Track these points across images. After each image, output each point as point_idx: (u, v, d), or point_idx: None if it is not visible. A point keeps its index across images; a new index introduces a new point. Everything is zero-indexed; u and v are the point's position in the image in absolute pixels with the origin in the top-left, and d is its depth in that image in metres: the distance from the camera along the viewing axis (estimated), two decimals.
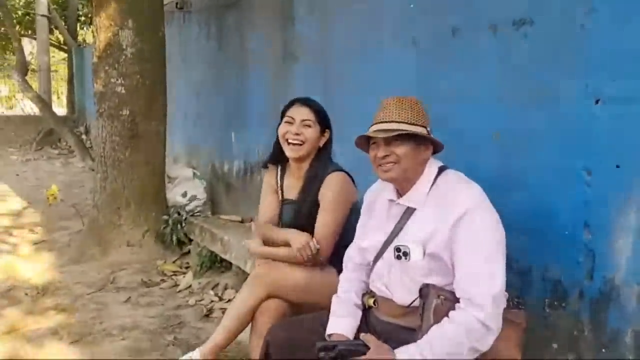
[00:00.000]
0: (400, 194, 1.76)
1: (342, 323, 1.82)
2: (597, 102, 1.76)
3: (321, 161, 2.30)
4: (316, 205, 2.25)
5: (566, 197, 1.88)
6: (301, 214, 2.29)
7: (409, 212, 1.73)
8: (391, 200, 1.78)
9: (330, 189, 2.22)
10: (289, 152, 2.26)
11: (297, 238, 2.16)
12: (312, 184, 2.28)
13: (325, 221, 2.20)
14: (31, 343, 2.93)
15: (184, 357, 2.24)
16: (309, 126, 2.24)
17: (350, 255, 1.96)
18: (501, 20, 2.08)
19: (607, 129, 1.74)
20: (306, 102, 2.30)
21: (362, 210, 1.96)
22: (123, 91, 4.22)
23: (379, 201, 1.83)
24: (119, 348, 2.90)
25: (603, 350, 1.79)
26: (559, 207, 1.90)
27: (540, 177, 1.96)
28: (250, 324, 2.19)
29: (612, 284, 1.76)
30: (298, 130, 2.22)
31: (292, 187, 2.36)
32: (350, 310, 1.85)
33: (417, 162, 1.70)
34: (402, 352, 1.56)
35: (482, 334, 1.52)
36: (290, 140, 2.24)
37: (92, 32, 4.36)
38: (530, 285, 2.03)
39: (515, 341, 1.63)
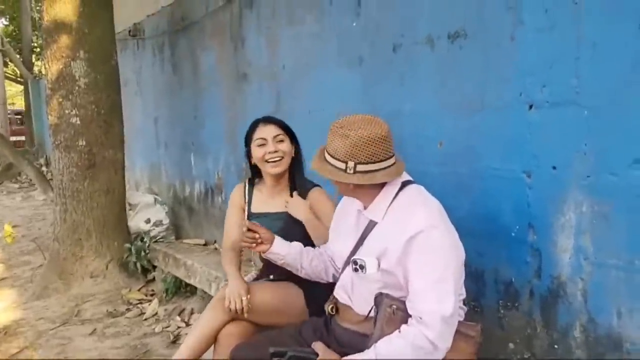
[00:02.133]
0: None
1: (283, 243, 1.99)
2: (530, 107, 1.85)
3: (299, 172, 2.34)
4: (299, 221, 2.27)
5: (510, 200, 1.95)
6: (293, 223, 2.28)
7: (371, 225, 1.75)
8: (359, 211, 1.80)
9: (325, 204, 2.26)
10: (271, 170, 2.26)
11: (234, 288, 2.13)
12: (300, 194, 2.30)
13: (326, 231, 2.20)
14: None
15: None
16: (282, 140, 2.27)
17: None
18: (437, 34, 2.16)
19: (541, 132, 1.82)
20: (269, 120, 2.32)
21: (334, 215, 1.99)
22: (78, 122, 4.18)
23: (351, 209, 1.85)
24: None
25: (555, 346, 1.86)
26: (504, 210, 1.97)
27: (484, 182, 2.03)
28: (212, 347, 2.19)
29: (558, 281, 1.82)
30: (275, 148, 2.24)
31: (262, 202, 2.36)
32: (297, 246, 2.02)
33: (364, 186, 1.69)
34: None
35: (429, 351, 1.54)
36: (269, 159, 2.25)
37: (44, 64, 4.32)
38: (484, 288, 2.09)
39: (466, 354, 1.65)
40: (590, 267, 1.73)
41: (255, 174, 2.40)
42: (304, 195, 2.29)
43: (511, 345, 2.01)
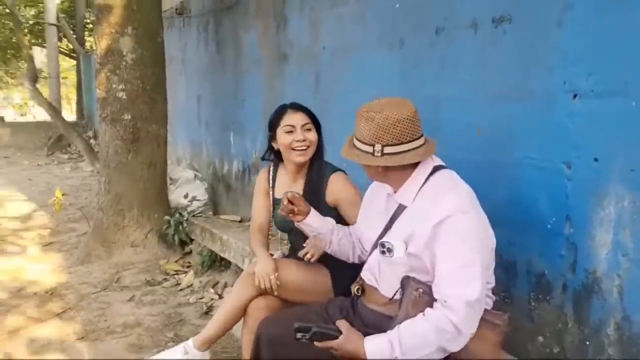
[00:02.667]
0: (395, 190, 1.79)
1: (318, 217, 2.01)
2: (574, 97, 1.79)
3: (320, 161, 2.33)
4: (320, 204, 2.26)
5: (547, 191, 1.90)
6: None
7: (400, 208, 1.74)
8: (389, 195, 1.80)
9: (346, 189, 2.26)
10: (297, 158, 2.26)
11: (262, 267, 2.18)
12: (314, 184, 2.30)
13: (352, 217, 2.20)
14: (38, 340, 3.01)
15: (178, 346, 2.30)
16: (310, 129, 2.27)
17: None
18: (481, 18, 2.11)
19: (584, 123, 1.77)
20: (298, 107, 2.31)
21: (363, 200, 1.99)
22: (124, 96, 4.29)
23: (381, 194, 1.85)
24: (121, 345, 2.97)
25: (587, 342, 1.82)
26: (541, 201, 1.93)
27: (522, 172, 1.99)
28: (242, 320, 2.24)
29: (594, 276, 1.78)
30: (303, 137, 2.24)
31: (287, 187, 2.38)
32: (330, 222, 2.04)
33: (390, 168, 1.68)
34: (370, 340, 1.59)
35: (452, 336, 1.53)
36: (297, 148, 2.25)
37: (94, 39, 4.44)
38: (515, 280, 2.06)
39: (492, 343, 1.63)
40: (629, 263, 1.67)
41: (277, 159, 2.40)
42: (323, 181, 2.28)
43: (540, 338, 1.98)
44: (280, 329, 1.87)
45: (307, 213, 2.00)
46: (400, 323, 1.60)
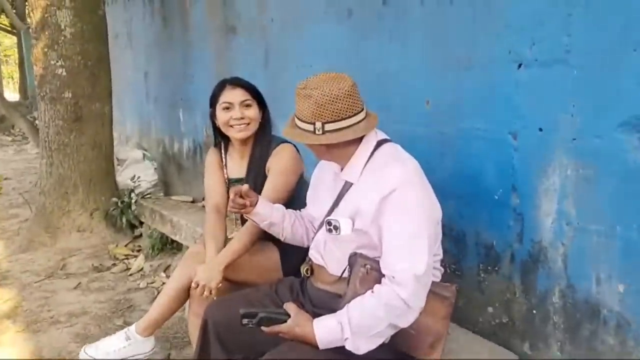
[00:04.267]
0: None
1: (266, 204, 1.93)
2: (519, 66, 1.77)
3: (265, 137, 2.26)
4: (264, 179, 2.21)
5: (494, 162, 1.90)
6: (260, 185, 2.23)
7: (347, 186, 1.71)
8: (336, 173, 1.76)
9: (281, 158, 2.19)
10: (236, 134, 2.19)
11: (208, 274, 2.02)
12: (259, 160, 2.24)
13: (274, 186, 2.15)
14: None
15: (120, 332, 2.22)
16: (249, 105, 2.18)
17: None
18: None
19: (529, 92, 1.76)
20: (237, 82, 2.22)
21: (311, 180, 1.94)
22: (64, 73, 4.07)
23: (328, 173, 1.81)
24: (67, 335, 2.85)
25: (533, 311, 1.84)
26: (489, 172, 1.93)
27: (469, 143, 1.98)
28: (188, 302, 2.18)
29: (539, 246, 1.80)
30: (241, 114, 2.15)
31: (237, 166, 2.31)
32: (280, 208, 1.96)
33: (336, 146, 1.64)
34: (320, 322, 1.56)
35: (402, 311, 1.51)
36: (235, 125, 2.17)
37: (28, 12, 4.19)
38: (465, 251, 2.06)
39: (442, 315, 1.62)
40: (572, 232, 1.69)
41: (218, 136, 2.32)
42: (268, 155, 2.22)
43: (490, 309, 2.00)
44: (227, 313, 1.81)
45: (255, 203, 1.91)
46: (348, 302, 1.56)
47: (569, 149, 1.66)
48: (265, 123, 2.25)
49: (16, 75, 19.20)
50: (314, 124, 1.59)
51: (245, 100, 2.18)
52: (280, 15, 3.05)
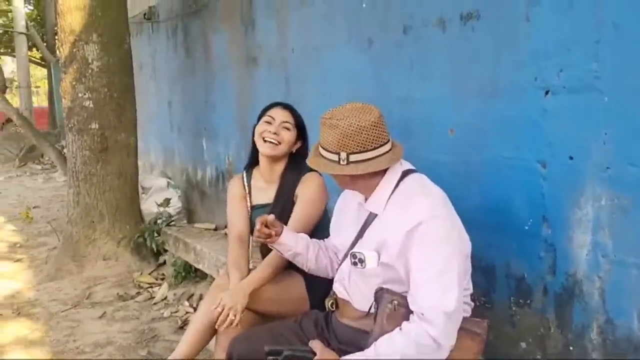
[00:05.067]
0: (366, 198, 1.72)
1: (291, 234, 1.90)
2: (546, 93, 1.73)
3: (296, 165, 2.25)
4: (292, 206, 2.20)
5: (523, 191, 1.84)
6: (278, 217, 2.22)
7: (371, 217, 1.67)
8: (360, 204, 1.73)
9: (308, 187, 2.19)
10: (264, 149, 2.19)
11: (231, 300, 1.98)
12: (288, 186, 2.23)
13: (301, 216, 2.15)
14: None
15: None
16: (288, 129, 2.19)
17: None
18: (449, 15, 2.04)
19: (557, 120, 1.71)
20: (287, 106, 2.26)
21: (335, 209, 1.91)
22: (91, 105, 4.14)
23: (352, 202, 1.78)
24: None
25: (570, 347, 1.76)
26: (517, 202, 1.87)
27: (496, 172, 1.93)
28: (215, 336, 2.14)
29: (574, 279, 1.72)
30: (276, 130, 2.17)
31: (262, 191, 2.30)
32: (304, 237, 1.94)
33: (358, 177, 1.62)
34: None
35: (432, 350, 1.45)
36: (267, 139, 2.18)
37: (58, 47, 4.29)
38: (495, 284, 2.00)
39: (473, 352, 1.57)
40: (609, 264, 1.62)
41: (253, 159, 2.32)
42: (296, 183, 2.21)
43: (523, 344, 1.92)
44: (251, 347, 1.78)
45: (280, 233, 1.89)
46: (376, 339, 1.52)
47: (603, 177, 1.60)
48: (300, 153, 2.25)
49: (45, 105, 19.72)
50: (338, 154, 1.57)
51: (287, 122, 2.20)
52: (301, 45, 3.06)
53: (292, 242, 1.89)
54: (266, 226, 1.83)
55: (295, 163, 2.25)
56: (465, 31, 1.98)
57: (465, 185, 2.01)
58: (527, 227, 1.84)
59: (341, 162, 1.57)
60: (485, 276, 2.01)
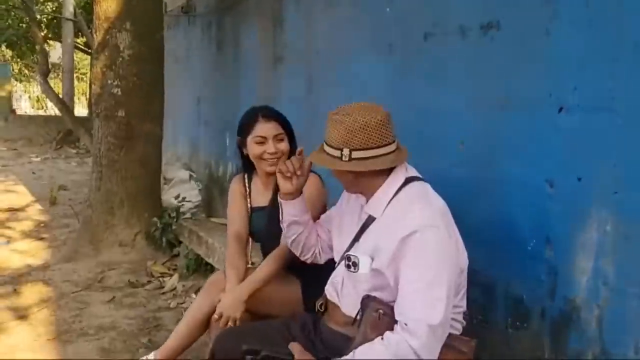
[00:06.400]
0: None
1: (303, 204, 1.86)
2: (560, 110, 1.67)
3: None
4: None
5: (529, 210, 1.79)
6: (274, 220, 2.22)
7: (370, 220, 1.65)
8: (362, 206, 1.71)
9: (306, 188, 2.13)
10: (267, 168, 2.16)
11: (230, 304, 2.01)
12: None
13: None
14: (9, 338, 2.94)
15: (141, 358, 2.20)
16: (282, 140, 2.16)
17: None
18: (469, 24, 2.00)
19: (569, 138, 1.65)
20: (270, 115, 2.18)
21: (336, 206, 1.89)
22: (119, 93, 4.22)
23: (355, 203, 1.76)
24: (92, 348, 2.87)
25: None
26: (522, 221, 1.81)
27: (503, 188, 1.88)
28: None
29: (573, 304, 1.66)
30: (275, 149, 2.13)
31: (261, 194, 2.30)
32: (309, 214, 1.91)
33: (361, 176, 1.60)
34: None
35: None
36: (268, 159, 2.15)
37: (92, 33, 4.39)
38: (493, 303, 1.94)
39: None
40: (609, 293, 1.55)
41: (246, 164, 2.30)
42: None
43: None
44: (235, 345, 1.76)
45: (299, 193, 1.86)
46: (357, 347, 1.48)
47: (610, 202, 1.54)
48: (292, 155, 2.23)
49: (87, 92, 20.25)
50: (341, 150, 1.56)
51: (279, 134, 2.15)
52: (326, 47, 3.05)
53: (301, 209, 1.87)
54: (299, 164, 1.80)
55: None
56: (484, 41, 1.93)
57: (471, 200, 1.96)
58: (529, 248, 1.78)
59: (343, 158, 1.55)
60: (484, 294, 1.95)
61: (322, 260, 1.92)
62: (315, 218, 2.12)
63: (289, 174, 1.79)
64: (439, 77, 2.17)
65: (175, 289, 3.73)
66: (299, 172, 1.79)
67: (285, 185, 1.82)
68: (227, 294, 2.04)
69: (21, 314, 3.24)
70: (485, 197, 1.95)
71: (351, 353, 1.47)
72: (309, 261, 1.93)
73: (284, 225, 1.91)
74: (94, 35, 4.33)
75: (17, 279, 3.84)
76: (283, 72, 3.52)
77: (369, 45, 2.63)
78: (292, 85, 3.39)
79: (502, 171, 1.87)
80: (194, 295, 3.58)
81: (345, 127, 1.54)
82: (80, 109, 17.45)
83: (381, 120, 1.55)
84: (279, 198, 1.89)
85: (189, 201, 4.48)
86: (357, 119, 1.54)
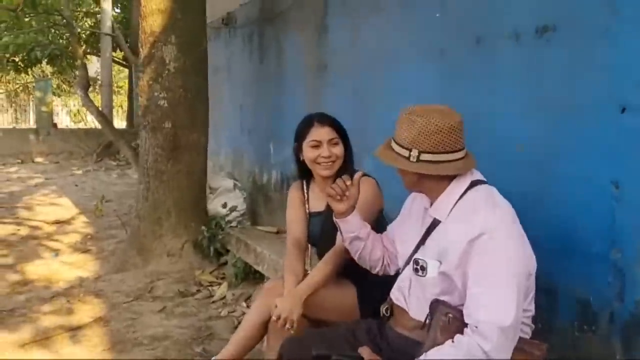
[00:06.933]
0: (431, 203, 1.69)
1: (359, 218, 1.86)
2: (623, 110, 1.65)
3: (346, 170, 2.25)
4: None
5: (593, 212, 1.76)
6: (330, 223, 2.24)
7: (435, 223, 1.65)
8: (426, 208, 1.72)
9: (362, 191, 2.15)
10: (323, 172, 2.21)
11: (287, 305, 2.02)
12: None
13: None
14: (65, 349, 3.02)
15: None
16: (337, 144, 2.21)
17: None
18: (524, 28, 1.99)
19: (634, 139, 1.63)
20: (324, 120, 2.23)
21: (402, 211, 1.91)
22: (165, 104, 4.32)
23: (419, 206, 1.77)
24: (146, 357, 2.92)
25: None
26: (586, 223, 1.79)
27: (566, 191, 1.86)
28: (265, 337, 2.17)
29: None
30: (329, 152, 2.18)
31: (318, 199, 2.33)
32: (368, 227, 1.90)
33: (426, 178, 1.61)
34: None
35: None
36: (322, 162, 2.19)
37: (139, 47, 4.50)
38: (558, 307, 1.92)
39: None
40: None
41: (302, 170, 2.34)
42: None
43: None
44: (302, 351, 1.78)
45: (353, 209, 1.87)
46: (427, 351, 1.49)
47: None
48: (347, 159, 2.26)
49: (125, 105, 20.72)
50: (410, 150, 1.56)
51: (333, 138, 2.20)
52: (372, 53, 3.07)
53: (357, 224, 1.87)
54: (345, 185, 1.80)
55: (345, 169, 2.24)
56: (540, 44, 1.93)
57: (531, 203, 1.94)
58: (595, 250, 1.76)
59: (411, 158, 1.56)
60: (547, 298, 1.93)
61: (392, 271, 1.91)
62: (370, 220, 2.13)
63: (338, 197, 1.81)
64: (492, 81, 2.17)
65: (224, 297, 3.78)
66: (347, 193, 1.80)
67: (337, 207, 1.83)
68: (285, 297, 2.07)
69: (75, 326, 3.32)
70: (545, 200, 1.93)
71: (422, 356, 1.47)
72: (380, 274, 1.93)
73: (346, 243, 1.92)
74: (141, 50, 4.43)
75: (69, 291, 3.92)
76: (328, 80, 3.55)
77: (418, 51, 2.63)
78: (338, 93, 3.42)
79: (565, 173, 1.85)
80: (244, 304, 3.62)
81: (417, 128, 1.54)
82: (118, 122, 17.89)
83: (454, 126, 1.55)
84: (334, 218, 1.91)
85: (236, 210, 4.54)
86: (430, 121, 1.54)
